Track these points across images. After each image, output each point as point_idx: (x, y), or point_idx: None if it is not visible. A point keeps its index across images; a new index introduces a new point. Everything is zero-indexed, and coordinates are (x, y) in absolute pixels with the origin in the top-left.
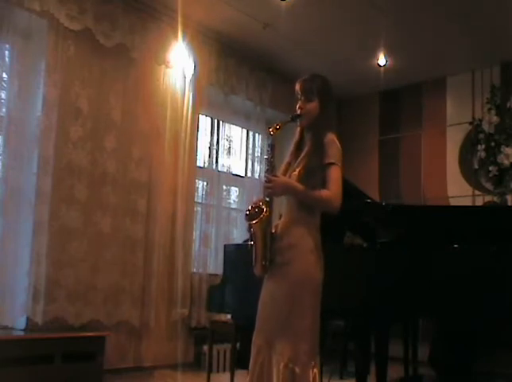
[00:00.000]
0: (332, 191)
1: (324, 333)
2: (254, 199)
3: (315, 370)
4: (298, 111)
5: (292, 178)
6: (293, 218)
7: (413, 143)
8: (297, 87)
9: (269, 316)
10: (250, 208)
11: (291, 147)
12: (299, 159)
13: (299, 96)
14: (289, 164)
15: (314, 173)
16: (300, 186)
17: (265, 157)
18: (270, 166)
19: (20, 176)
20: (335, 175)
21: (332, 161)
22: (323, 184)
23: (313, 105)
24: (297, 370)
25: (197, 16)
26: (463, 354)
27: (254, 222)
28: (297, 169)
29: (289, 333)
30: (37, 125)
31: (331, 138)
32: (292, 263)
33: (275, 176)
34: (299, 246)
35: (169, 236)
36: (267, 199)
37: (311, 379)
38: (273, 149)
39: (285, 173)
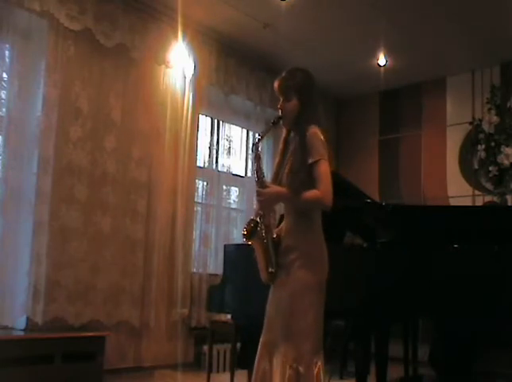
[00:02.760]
0: (321, 189)
1: (324, 333)
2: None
3: (318, 365)
4: (279, 113)
5: (283, 180)
6: (294, 220)
7: (413, 143)
8: (275, 86)
9: (274, 316)
10: (246, 224)
11: (280, 147)
12: (286, 158)
13: (278, 96)
14: (279, 164)
15: (300, 172)
16: (288, 193)
17: (253, 169)
18: (259, 178)
19: (20, 176)
20: (322, 171)
21: (317, 158)
22: (312, 182)
23: (292, 103)
24: (301, 370)
25: (197, 16)
26: (463, 354)
27: (251, 241)
28: (285, 171)
29: (293, 333)
30: (37, 125)
31: (312, 131)
32: (295, 264)
33: (265, 187)
34: (301, 247)
35: (169, 236)
36: (260, 212)
37: (314, 378)
38: (258, 160)
39: (277, 174)
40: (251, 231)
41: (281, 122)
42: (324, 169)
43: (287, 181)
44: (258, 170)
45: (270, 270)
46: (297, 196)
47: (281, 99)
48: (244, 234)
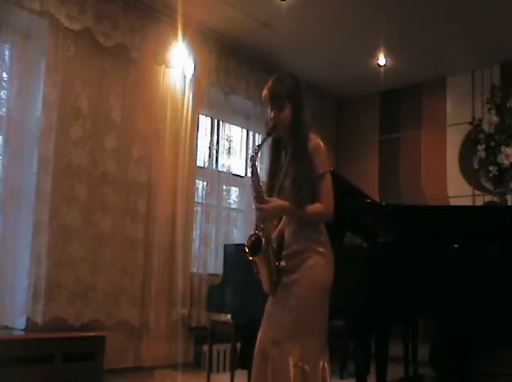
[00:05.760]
0: (325, 203)
1: None
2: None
3: (325, 366)
4: (272, 123)
5: (285, 191)
6: (297, 225)
7: (412, 143)
8: (265, 94)
9: (278, 318)
10: (248, 240)
11: (270, 157)
12: (283, 169)
13: (269, 105)
14: (273, 174)
15: (304, 184)
16: (291, 207)
17: (251, 183)
18: (258, 192)
19: (20, 176)
20: (326, 186)
21: (322, 171)
22: (314, 194)
23: (286, 113)
24: (307, 368)
25: (197, 16)
26: (463, 354)
27: (255, 258)
28: (287, 182)
29: (300, 332)
30: (37, 125)
31: (315, 142)
32: (300, 267)
33: (265, 200)
34: (306, 251)
35: (169, 236)
36: (262, 225)
37: (320, 377)
38: (256, 174)
39: (273, 186)
40: (254, 247)
41: (275, 132)
42: (329, 184)
43: (289, 191)
44: (257, 185)
45: (274, 278)
46: (300, 209)
47: (273, 110)
48: (246, 251)
